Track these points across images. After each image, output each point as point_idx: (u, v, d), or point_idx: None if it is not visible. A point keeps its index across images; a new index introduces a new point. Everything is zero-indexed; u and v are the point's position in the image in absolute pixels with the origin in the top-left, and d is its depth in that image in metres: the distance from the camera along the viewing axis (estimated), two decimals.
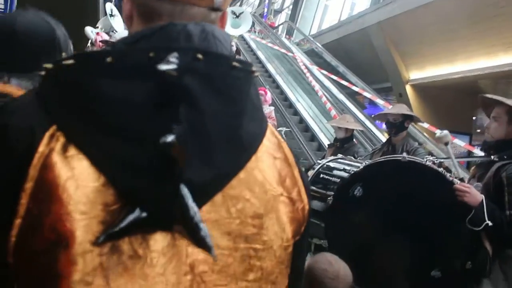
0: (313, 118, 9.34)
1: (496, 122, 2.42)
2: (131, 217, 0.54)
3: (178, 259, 0.56)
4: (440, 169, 2.53)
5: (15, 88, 1.10)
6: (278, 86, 10.73)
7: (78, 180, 0.53)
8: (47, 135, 0.55)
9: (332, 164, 3.14)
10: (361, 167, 2.61)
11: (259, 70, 8.56)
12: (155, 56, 0.56)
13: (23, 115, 0.58)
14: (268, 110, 6.75)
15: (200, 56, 0.58)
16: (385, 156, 2.93)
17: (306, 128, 8.98)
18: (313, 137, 8.64)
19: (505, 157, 2.30)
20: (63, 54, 1.15)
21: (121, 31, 10.07)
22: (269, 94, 7.37)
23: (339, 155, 3.54)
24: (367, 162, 2.72)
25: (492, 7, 8.75)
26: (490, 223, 2.16)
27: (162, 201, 0.55)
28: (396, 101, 12.81)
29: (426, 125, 7.67)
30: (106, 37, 6.94)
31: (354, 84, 10.07)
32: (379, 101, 9.04)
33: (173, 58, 0.56)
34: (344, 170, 2.86)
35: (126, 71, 0.56)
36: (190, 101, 0.56)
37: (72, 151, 0.55)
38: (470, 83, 10.57)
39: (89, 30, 7.73)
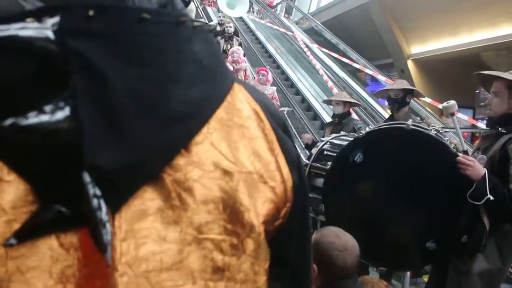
0: (315, 97, 9.28)
1: (497, 97, 2.37)
2: (41, 214, 0.44)
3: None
4: (445, 139, 2.47)
5: None
6: (278, 66, 10.66)
7: None
8: None
9: (336, 141, 3.10)
10: (363, 132, 2.53)
11: (258, 50, 8.49)
12: (35, 21, 0.45)
13: None
14: (270, 90, 6.71)
15: (91, 13, 0.46)
16: (389, 122, 2.87)
17: (308, 107, 8.93)
18: (315, 116, 8.60)
19: None
20: None
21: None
22: (270, 74, 7.32)
23: (342, 132, 3.51)
24: (370, 128, 2.66)
25: None
26: (491, 198, 2.12)
27: (65, 194, 0.45)
28: (398, 77, 12.72)
29: (428, 100, 7.61)
30: None
31: (355, 61, 9.98)
32: (381, 78, 8.98)
33: (47, 23, 0.44)
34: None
35: (12, 41, 0.44)
36: (86, 70, 0.45)
37: None
38: (473, 55, 10.46)
39: None
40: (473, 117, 9.82)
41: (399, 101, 3.76)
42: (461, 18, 9.96)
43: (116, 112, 0.45)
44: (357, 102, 4.88)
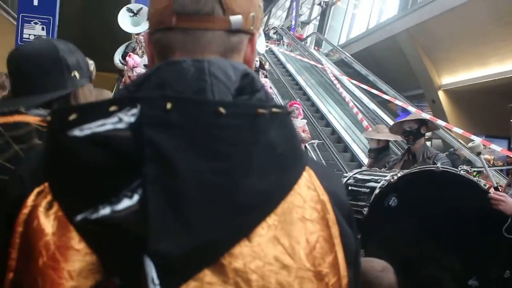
0: (345, 129, 9.34)
1: None
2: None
3: None
4: (475, 178, 2.53)
5: (32, 117, 1.20)
6: (309, 98, 10.81)
7: (58, 239, 0.51)
8: (36, 190, 0.54)
9: (359, 176, 3.18)
10: (396, 178, 2.62)
11: (288, 83, 8.55)
12: (117, 110, 0.49)
13: (26, 168, 0.59)
14: (301, 123, 6.83)
15: (169, 105, 0.49)
16: (419, 167, 2.93)
17: (339, 139, 9.00)
18: (346, 148, 8.65)
19: None
20: (75, 74, 1.25)
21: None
22: (301, 109, 7.44)
23: (363, 168, 3.56)
24: (401, 172, 2.74)
25: None
26: None
27: (128, 276, 0.48)
28: (429, 107, 12.64)
29: (460, 130, 7.57)
30: (138, 60, 6.42)
31: (385, 93, 10.02)
32: (411, 109, 8.98)
33: (128, 112, 0.49)
34: (373, 180, 2.90)
35: (93, 128, 0.49)
36: (158, 160, 0.47)
37: (55, 209, 0.52)
38: (505, 85, 10.34)
39: (116, 58, 6.93)
40: (508, 148, 9.63)
41: (414, 133, 3.69)
42: (490, 48, 9.92)
43: (183, 202, 0.48)
44: (390, 138, 4.75)
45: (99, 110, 0.50)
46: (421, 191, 2.57)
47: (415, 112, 4.58)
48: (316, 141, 7.67)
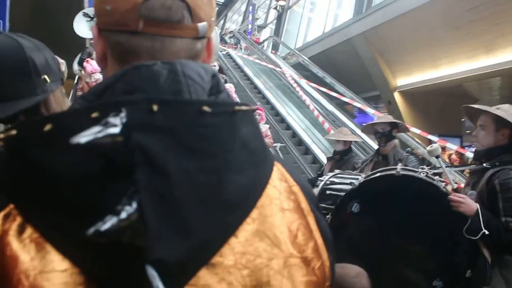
0: (305, 131, 9.42)
1: (484, 130, 2.43)
2: None
3: None
4: (434, 180, 2.57)
5: None
6: (268, 101, 10.82)
7: (40, 264, 0.47)
8: (1, 214, 0.49)
9: (336, 179, 3.17)
10: (357, 184, 2.64)
11: (247, 86, 8.54)
12: (100, 117, 0.46)
13: None
14: (263, 128, 6.82)
15: (155, 107, 0.48)
16: (379, 170, 2.98)
17: (300, 142, 9.05)
18: (307, 150, 8.71)
19: (497, 163, 2.32)
20: (44, 77, 1.09)
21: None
22: (263, 114, 7.44)
23: (336, 171, 3.58)
24: (362, 178, 2.76)
25: (470, 12, 8.98)
26: (486, 232, 2.16)
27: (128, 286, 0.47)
28: (386, 108, 12.98)
29: (417, 130, 7.80)
30: (96, 66, 6.05)
31: (342, 95, 10.19)
32: (369, 110, 9.17)
33: (116, 117, 0.46)
34: (350, 184, 2.91)
35: (66, 138, 0.45)
36: (148, 164, 0.46)
37: (29, 232, 0.48)
38: (456, 86, 10.78)
39: (75, 65, 6.72)
40: (461, 146, 10.03)
41: (386, 135, 3.82)
42: (441, 51, 10.31)
43: (176, 205, 0.47)
44: (357, 139, 4.82)
45: (81, 117, 0.47)
46: (382, 195, 2.59)
47: (384, 114, 4.68)
48: (278, 145, 7.69)
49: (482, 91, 11.59)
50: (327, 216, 2.74)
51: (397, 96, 12.43)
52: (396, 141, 4.11)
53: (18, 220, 0.48)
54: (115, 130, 0.45)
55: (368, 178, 2.73)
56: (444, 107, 11.24)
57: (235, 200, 0.52)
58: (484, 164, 2.38)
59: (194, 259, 0.49)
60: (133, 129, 0.46)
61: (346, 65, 13.62)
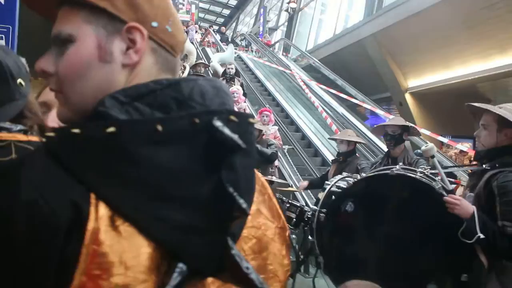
0: (315, 134, 9.36)
1: (486, 130, 2.34)
2: (180, 275, 0.55)
3: None
4: (434, 181, 2.48)
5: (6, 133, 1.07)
6: (278, 104, 10.79)
7: (132, 251, 0.53)
8: (92, 209, 0.52)
9: (342, 184, 3.11)
10: (351, 182, 2.59)
11: (257, 89, 8.57)
12: (199, 122, 0.58)
13: (54, 187, 0.53)
14: (272, 130, 6.78)
15: (234, 118, 0.61)
16: (374, 170, 2.93)
17: (309, 144, 8.99)
18: (316, 153, 8.64)
19: (497, 165, 2.22)
20: (19, 81, 1.12)
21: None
22: (272, 114, 7.42)
23: (344, 174, 3.53)
24: (358, 177, 2.72)
25: (485, 10, 8.82)
26: (482, 236, 2.09)
27: (213, 255, 0.58)
28: (397, 110, 12.84)
29: (427, 132, 7.68)
30: None
31: (353, 97, 10.11)
32: (380, 112, 9.08)
33: (218, 122, 0.59)
34: None
35: (174, 137, 0.56)
36: (229, 162, 0.60)
37: (119, 221, 0.53)
38: (469, 86, 10.59)
39: None
40: (474, 148, 9.84)
41: (396, 137, 3.76)
42: (453, 51, 10.16)
43: (240, 190, 0.60)
44: (361, 141, 4.79)
45: (182, 120, 0.59)
46: (377, 195, 2.56)
47: (396, 117, 4.60)
48: (286, 147, 7.65)
49: (497, 91, 11.37)
50: (321, 215, 2.70)
51: (408, 97, 12.29)
52: (407, 143, 4.05)
53: (106, 211, 0.53)
54: (228, 132, 0.59)
55: (363, 177, 2.71)
56: (457, 108, 10.96)
57: (253, 188, 0.70)
58: (484, 165, 2.28)
59: (240, 230, 0.67)
60: (222, 130, 0.60)
61: (357, 67, 13.53)
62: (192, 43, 12.37)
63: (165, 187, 0.55)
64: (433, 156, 2.47)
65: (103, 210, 0.53)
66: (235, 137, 0.58)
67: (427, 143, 2.50)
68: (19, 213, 0.50)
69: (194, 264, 0.57)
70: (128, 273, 0.52)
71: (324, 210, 2.86)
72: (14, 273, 0.50)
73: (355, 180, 2.63)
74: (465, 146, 7.67)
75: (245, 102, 7.95)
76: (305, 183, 4.83)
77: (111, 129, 0.54)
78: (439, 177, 2.49)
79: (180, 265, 0.56)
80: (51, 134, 0.56)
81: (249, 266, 0.59)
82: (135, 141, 0.55)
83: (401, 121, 3.97)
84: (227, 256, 0.58)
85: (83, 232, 0.51)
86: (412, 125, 4.11)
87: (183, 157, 0.56)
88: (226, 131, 0.58)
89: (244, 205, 0.58)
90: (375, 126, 4.46)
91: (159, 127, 0.55)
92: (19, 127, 1.09)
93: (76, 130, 0.54)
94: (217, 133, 0.58)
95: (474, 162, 2.52)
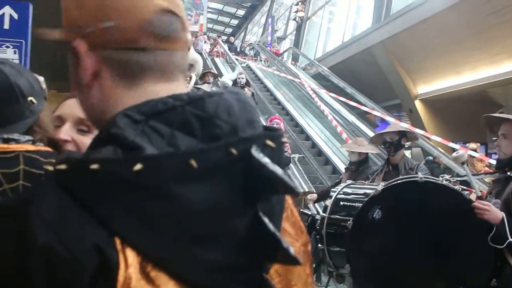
0: (326, 142, 9.36)
1: (506, 139, 2.37)
2: None
3: None
4: (457, 187, 2.51)
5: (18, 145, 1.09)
6: (288, 113, 10.81)
7: None
8: (121, 256, 0.46)
9: (349, 190, 3.12)
10: (379, 189, 2.59)
11: (266, 98, 8.58)
12: (236, 153, 0.52)
13: (73, 229, 0.46)
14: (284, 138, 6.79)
15: (270, 143, 0.56)
16: (402, 177, 2.93)
17: (319, 153, 8.99)
18: (327, 161, 8.64)
19: None
20: (30, 99, 1.13)
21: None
22: (282, 124, 7.44)
23: (348, 181, 3.54)
24: (383, 184, 2.73)
25: (492, 16, 8.81)
26: None
27: None
28: (407, 117, 12.81)
29: (438, 138, 7.65)
30: None
31: (363, 104, 10.10)
32: (390, 119, 9.06)
33: (256, 151, 0.53)
34: (364, 194, 2.87)
35: (209, 172, 0.50)
36: (266, 195, 0.57)
37: (149, 267, 0.48)
38: (479, 92, 10.55)
39: None
40: (486, 153, 9.78)
41: (396, 144, 3.76)
42: (462, 57, 10.13)
43: (273, 219, 0.58)
44: (371, 151, 4.77)
45: (218, 151, 0.52)
46: (404, 202, 2.57)
47: (394, 123, 4.58)
48: (296, 155, 7.65)
49: (508, 97, 11.29)
50: (348, 223, 2.71)
51: (418, 104, 12.25)
52: (417, 149, 4.06)
53: (135, 257, 0.47)
54: (266, 159, 0.52)
55: (390, 184, 2.69)
56: (468, 114, 10.98)
57: (283, 209, 0.66)
58: (509, 173, 2.32)
59: None
60: (252, 156, 0.53)
61: (366, 74, 13.52)
62: (201, 53, 12.47)
63: (200, 225, 0.50)
64: (463, 163, 2.49)
65: (132, 256, 0.47)
66: (278, 170, 0.52)
67: (439, 150, 2.53)
68: (34, 258, 0.44)
69: None
70: None
71: (335, 215, 2.85)
72: None
73: (383, 187, 2.62)
74: (477, 153, 7.61)
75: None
76: (314, 196, 4.78)
77: (138, 167, 0.47)
78: (458, 186, 2.52)
79: None
80: (63, 167, 0.48)
81: None
82: (167, 179, 0.48)
83: (397, 127, 3.97)
84: None
85: (113, 283, 0.45)
86: (409, 129, 4.10)
87: (218, 192, 0.51)
88: (266, 161, 0.52)
89: (286, 246, 0.53)
90: (372, 136, 4.42)
91: (193, 163, 0.49)
92: (27, 137, 1.10)
93: (95, 166, 0.47)
94: (256, 164, 0.52)
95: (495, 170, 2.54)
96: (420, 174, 2.59)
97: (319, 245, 3.06)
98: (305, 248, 0.71)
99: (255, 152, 0.52)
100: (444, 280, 2.46)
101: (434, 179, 2.55)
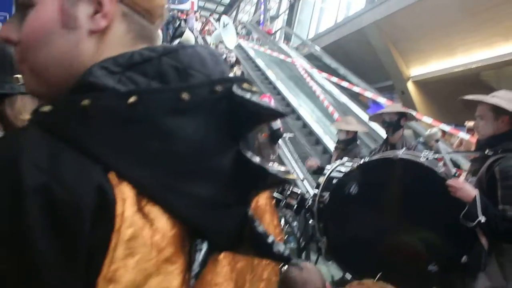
0: (317, 122, 9.31)
1: (483, 120, 2.41)
2: (204, 252, 0.53)
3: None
4: (438, 165, 2.53)
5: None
6: (279, 92, 10.72)
7: (160, 232, 0.49)
8: (117, 190, 0.47)
9: (343, 168, 3.13)
10: (355, 166, 2.66)
11: (258, 77, 8.60)
12: (220, 90, 0.54)
13: (67, 168, 0.45)
14: None
15: (247, 86, 0.56)
16: (378, 154, 2.98)
17: (310, 132, 8.95)
18: (317, 141, 8.60)
19: (499, 151, 2.28)
20: (17, 77, 1.13)
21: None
22: (272, 101, 7.36)
23: (345, 158, 3.52)
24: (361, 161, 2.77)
25: None
26: (483, 220, 2.15)
27: (236, 228, 0.55)
28: (400, 98, 12.78)
29: (429, 120, 7.62)
30: None
31: (355, 85, 10.04)
32: (382, 100, 9.01)
33: (237, 89, 0.54)
34: None
35: (196, 106, 0.52)
36: (249, 131, 0.58)
37: (144, 201, 0.49)
38: (473, 75, 10.51)
39: None
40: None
41: (394, 124, 3.82)
42: (457, 39, 10.07)
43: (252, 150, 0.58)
44: (359, 129, 4.74)
45: (204, 88, 0.54)
46: (381, 178, 2.64)
47: (394, 104, 4.64)
48: (288, 135, 7.59)
49: (501, 80, 11.27)
50: (325, 197, 2.76)
51: (410, 85, 12.22)
52: (408, 131, 4.11)
53: (130, 191, 0.48)
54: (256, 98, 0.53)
55: (367, 160, 2.78)
56: (460, 96, 10.98)
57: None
58: (487, 152, 2.35)
59: None
60: (233, 94, 0.54)
61: (359, 55, 13.43)
62: (192, 31, 12.27)
63: (191, 160, 0.51)
64: (437, 141, 2.50)
65: (128, 191, 0.47)
66: (262, 102, 0.53)
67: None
68: (28, 202, 0.43)
69: (217, 239, 0.54)
70: (160, 256, 0.48)
71: (327, 192, 2.89)
72: (38, 270, 0.43)
73: (359, 163, 2.65)
74: (467, 134, 7.58)
75: None
76: (314, 163, 4.67)
77: (133, 99, 0.48)
78: (441, 163, 2.53)
79: (203, 241, 0.53)
80: (47, 109, 0.49)
81: (273, 238, 0.57)
82: (160, 111, 0.50)
83: (397, 108, 4.05)
84: (249, 229, 0.56)
85: (111, 217, 0.46)
86: (409, 110, 4.11)
87: (205, 128, 0.52)
88: (249, 96, 0.53)
89: (274, 171, 0.54)
90: (372, 114, 4.46)
91: (185, 96, 0.51)
92: None
93: (86, 102, 0.48)
94: (239, 100, 0.52)
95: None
96: (399, 152, 2.62)
97: (310, 221, 3.16)
98: (270, 201, 0.74)
99: (237, 90, 0.53)
100: (419, 256, 2.52)
101: (409, 157, 2.59)
